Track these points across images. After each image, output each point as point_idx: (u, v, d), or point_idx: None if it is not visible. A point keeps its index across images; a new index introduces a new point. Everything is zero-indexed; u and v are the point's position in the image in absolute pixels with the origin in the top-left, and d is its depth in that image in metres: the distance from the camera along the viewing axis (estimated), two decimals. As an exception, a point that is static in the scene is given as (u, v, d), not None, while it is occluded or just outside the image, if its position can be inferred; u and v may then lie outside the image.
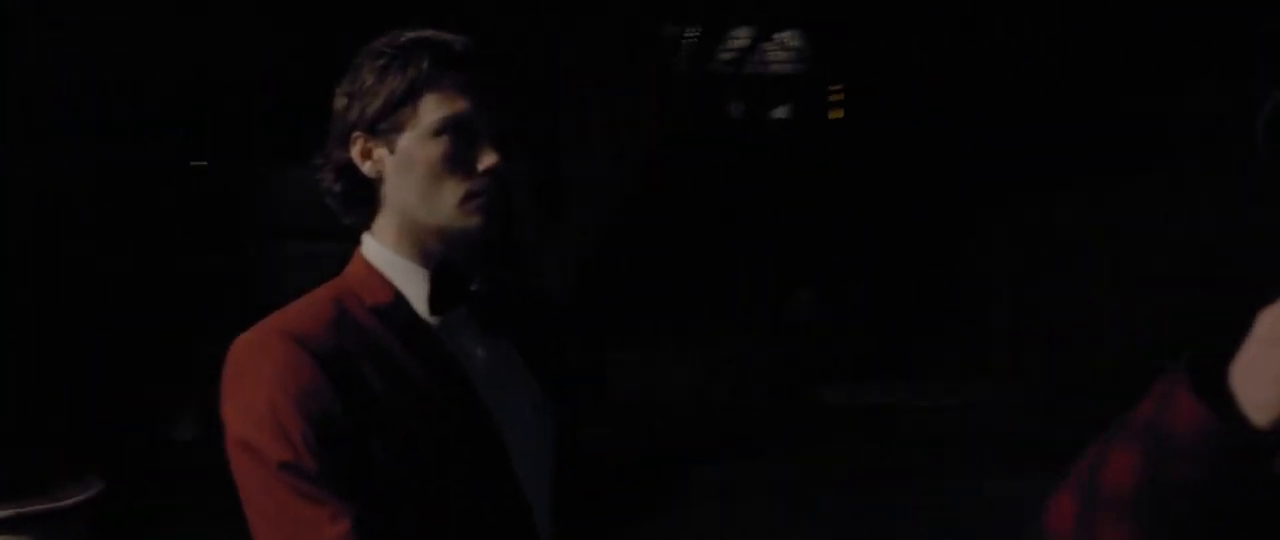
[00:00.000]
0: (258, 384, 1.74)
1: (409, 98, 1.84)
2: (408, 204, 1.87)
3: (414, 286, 1.88)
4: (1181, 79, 17.09)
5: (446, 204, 1.85)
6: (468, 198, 1.85)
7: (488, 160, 1.85)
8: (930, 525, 7.92)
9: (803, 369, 11.34)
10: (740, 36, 17.97)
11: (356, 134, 1.87)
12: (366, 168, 1.88)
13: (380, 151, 1.87)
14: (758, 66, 20.28)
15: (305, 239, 11.26)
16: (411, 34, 1.89)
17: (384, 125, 1.85)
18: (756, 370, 10.92)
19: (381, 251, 1.90)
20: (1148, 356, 11.38)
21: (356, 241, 1.96)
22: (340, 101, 1.89)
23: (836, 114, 20.67)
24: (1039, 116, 12.45)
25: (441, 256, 1.89)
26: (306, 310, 1.84)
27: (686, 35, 15.34)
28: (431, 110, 1.84)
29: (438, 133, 1.84)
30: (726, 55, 17.88)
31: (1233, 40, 19.74)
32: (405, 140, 1.85)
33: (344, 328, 1.81)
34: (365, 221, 1.94)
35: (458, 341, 1.88)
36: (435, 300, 1.87)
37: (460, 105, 1.85)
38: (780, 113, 21.78)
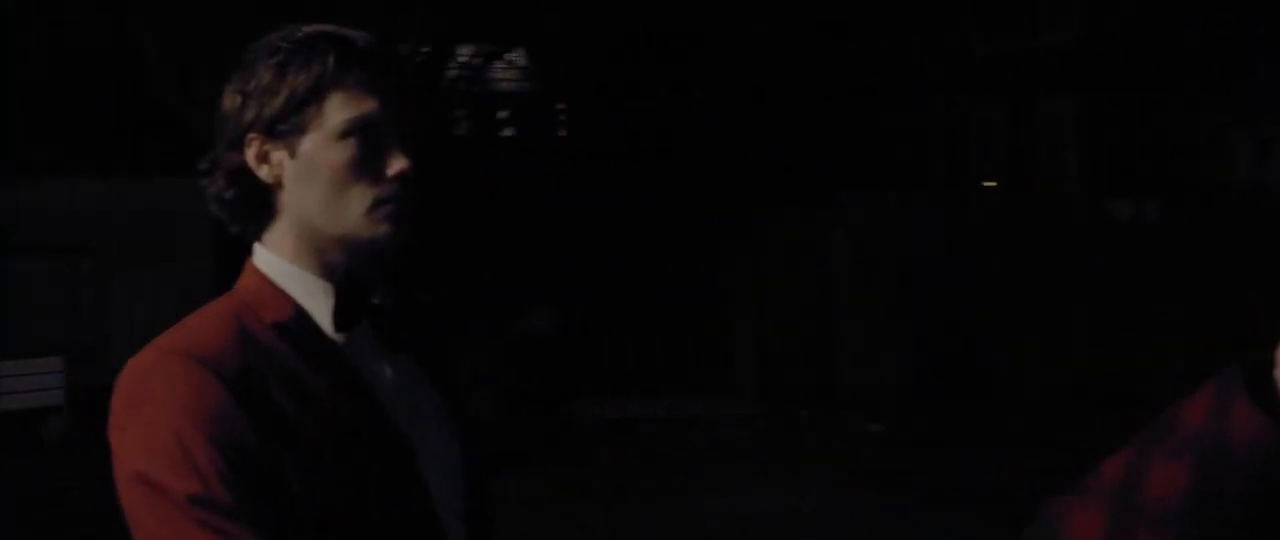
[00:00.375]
0: (159, 411, 1.58)
1: (313, 97, 1.70)
2: (309, 212, 1.73)
3: (315, 301, 1.74)
4: (910, 97, 17.82)
5: (353, 212, 1.72)
6: (376, 205, 1.72)
7: (397, 165, 1.73)
8: (683, 536, 7.99)
9: (550, 384, 11.31)
10: (469, 55, 17.90)
11: (252, 136, 1.72)
12: (263, 172, 1.73)
13: (279, 155, 1.72)
14: (486, 84, 20.24)
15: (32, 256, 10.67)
16: (309, 29, 1.76)
17: (284, 127, 1.71)
18: (505, 386, 10.83)
19: (277, 263, 1.76)
20: (883, 369, 11.84)
21: (248, 251, 1.81)
22: (232, 100, 1.74)
23: (562, 132, 20.78)
24: (777, 134, 12.75)
25: (344, 268, 1.76)
26: (204, 328, 1.68)
27: (418, 53, 15.17)
28: (338, 111, 1.70)
29: (344, 135, 1.71)
30: (455, 73, 17.79)
31: (955, 60, 20.74)
32: (308, 143, 1.71)
33: (247, 346, 1.66)
34: (256, 230, 1.79)
35: (362, 358, 1.75)
36: (340, 316, 1.74)
37: (368, 105, 1.72)
38: (509, 130, 21.77)
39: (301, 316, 1.73)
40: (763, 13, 15.30)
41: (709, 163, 13.24)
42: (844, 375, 11.72)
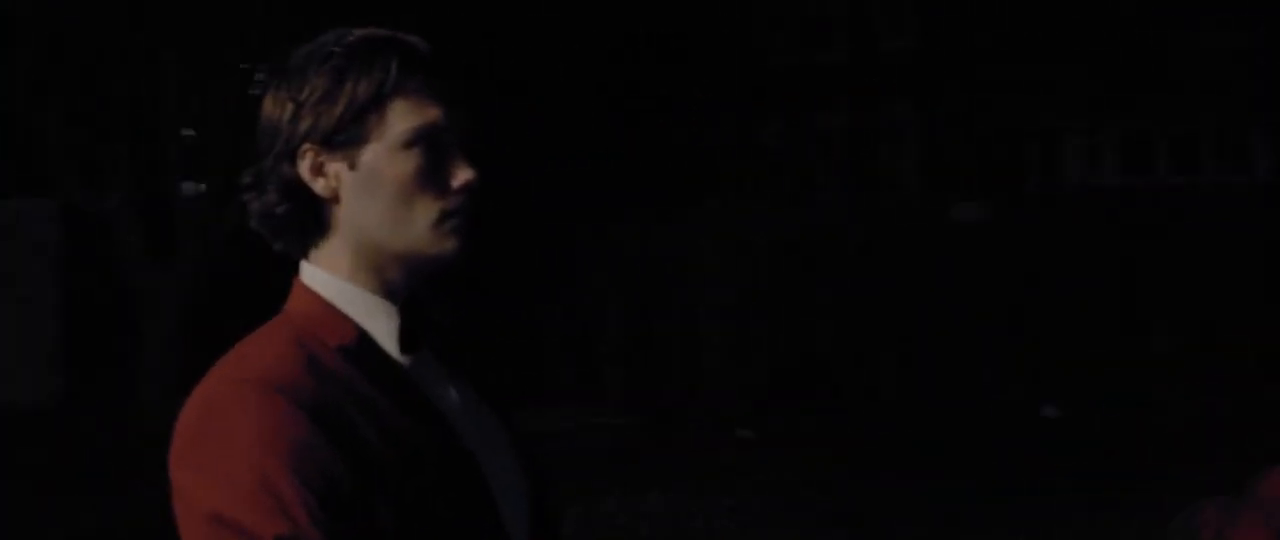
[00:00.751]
0: (237, 445, 1.46)
1: (375, 105, 1.59)
2: (369, 227, 1.62)
3: (376, 322, 1.63)
4: (749, 107, 17.98)
5: (418, 226, 1.62)
6: (443, 218, 1.63)
7: (463, 175, 1.64)
8: (567, 549, 7.90)
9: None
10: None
11: (307, 147, 1.60)
12: (319, 186, 1.61)
13: (336, 167, 1.61)
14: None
15: None
16: (362, 32, 1.65)
17: (343, 137, 1.60)
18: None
19: (331, 282, 1.64)
20: (746, 376, 11.91)
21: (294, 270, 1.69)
22: (282, 109, 1.62)
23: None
24: (633, 143, 12.74)
25: (404, 286, 1.66)
26: (272, 354, 1.56)
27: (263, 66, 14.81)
28: (401, 119, 1.60)
29: (409, 145, 1.60)
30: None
31: (794, 74, 20.99)
32: (370, 154, 1.60)
33: (320, 374, 1.55)
34: (300, 248, 1.67)
35: (427, 381, 1.66)
36: (407, 337, 1.64)
37: (433, 113, 1.62)
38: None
39: (365, 339, 1.62)
40: (609, 21, 15.31)
41: (566, 171, 13.15)
42: (709, 382, 11.76)
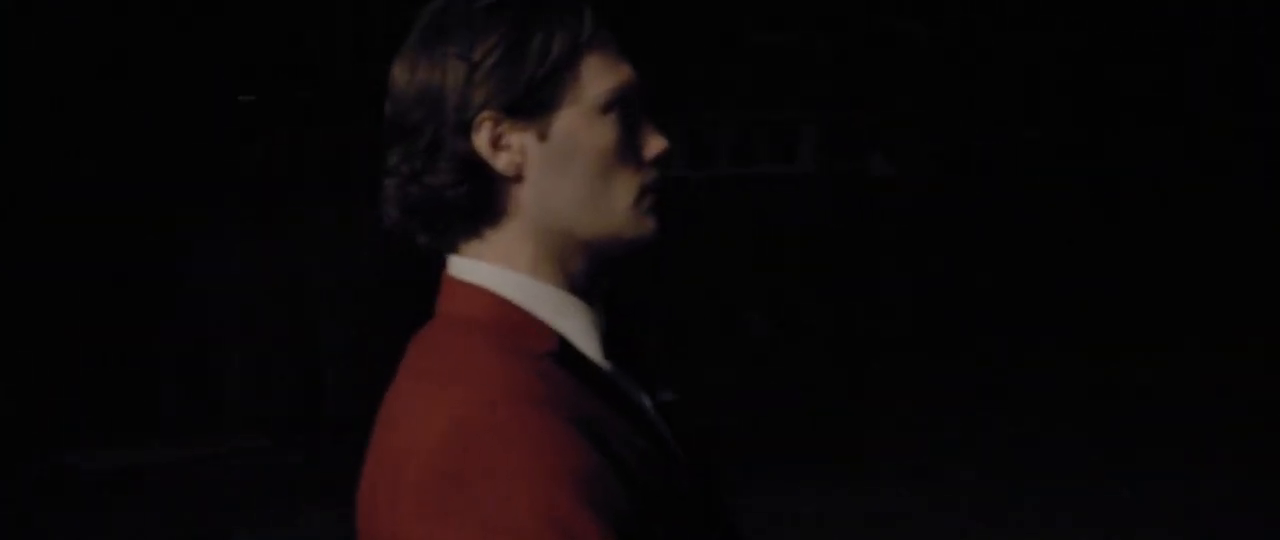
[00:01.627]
0: (512, 480, 1.17)
1: (569, 63, 1.33)
2: (559, 208, 1.34)
3: (569, 323, 1.36)
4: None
5: (619, 205, 1.36)
6: (642, 195, 1.37)
7: (658, 144, 1.40)
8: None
9: (27, 436, 10.08)
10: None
11: (485, 115, 1.32)
12: (500, 162, 1.33)
13: (520, 139, 1.33)
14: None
15: None
16: None
17: (533, 102, 1.32)
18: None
19: (511, 278, 1.35)
20: (368, 400, 11.55)
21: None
22: (443, 73, 1.32)
23: None
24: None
25: (587, 279, 1.39)
26: (499, 366, 1.26)
27: None
28: (596, 79, 1.34)
29: (607, 109, 1.35)
30: None
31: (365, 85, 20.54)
32: (563, 121, 1.34)
33: (558, 387, 1.27)
34: (453, 240, 1.38)
35: (629, 388, 1.40)
36: (610, 339, 1.38)
37: (625, 72, 1.37)
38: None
39: (566, 346, 1.34)
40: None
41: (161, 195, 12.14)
42: (330, 407, 11.32)
